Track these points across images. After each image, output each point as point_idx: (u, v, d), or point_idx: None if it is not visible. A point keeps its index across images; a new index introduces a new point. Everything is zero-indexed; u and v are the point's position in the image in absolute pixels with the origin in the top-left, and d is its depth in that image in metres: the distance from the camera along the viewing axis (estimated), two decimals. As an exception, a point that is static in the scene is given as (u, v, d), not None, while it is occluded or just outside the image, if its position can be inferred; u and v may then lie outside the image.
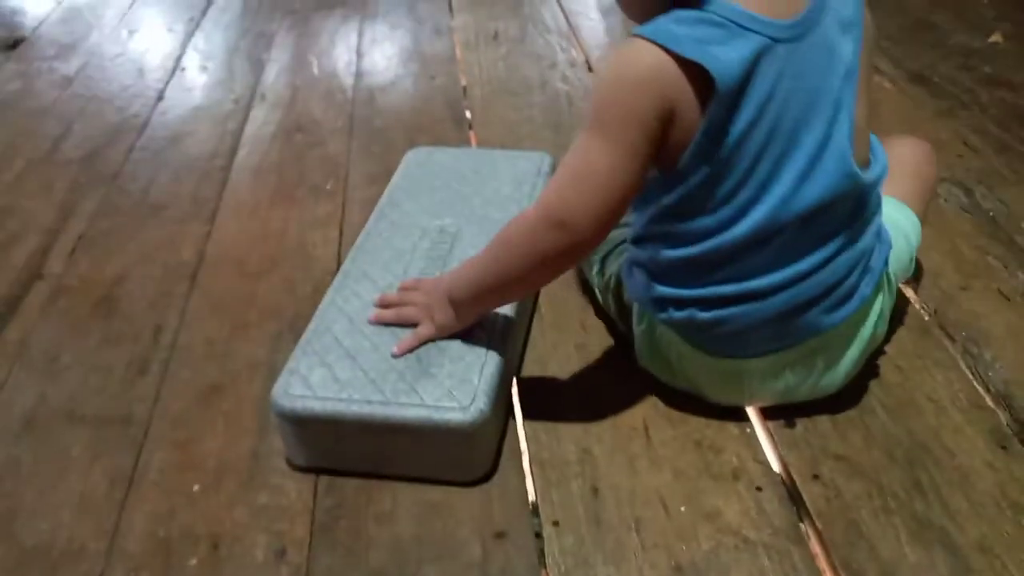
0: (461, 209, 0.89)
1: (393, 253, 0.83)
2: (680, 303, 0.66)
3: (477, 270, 0.67)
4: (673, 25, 0.56)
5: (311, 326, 0.74)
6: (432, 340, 0.70)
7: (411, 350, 0.69)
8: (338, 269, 0.93)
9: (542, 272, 0.65)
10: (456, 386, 0.66)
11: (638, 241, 0.68)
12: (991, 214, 0.96)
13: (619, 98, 0.57)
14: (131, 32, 1.70)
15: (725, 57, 0.54)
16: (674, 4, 0.57)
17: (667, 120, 0.56)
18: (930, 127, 1.14)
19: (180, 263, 0.97)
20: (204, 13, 1.77)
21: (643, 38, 0.56)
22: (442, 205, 0.90)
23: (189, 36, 1.65)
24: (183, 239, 1.02)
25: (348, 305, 0.76)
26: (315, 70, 1.47)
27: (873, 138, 0.66)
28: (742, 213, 0.60)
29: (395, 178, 0.97)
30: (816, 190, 0.59)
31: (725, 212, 0.60)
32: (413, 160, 1.00)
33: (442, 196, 0.92)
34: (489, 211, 0.88)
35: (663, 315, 0.67)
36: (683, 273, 0.65)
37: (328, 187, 1.11)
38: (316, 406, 0.65)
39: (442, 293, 0.69)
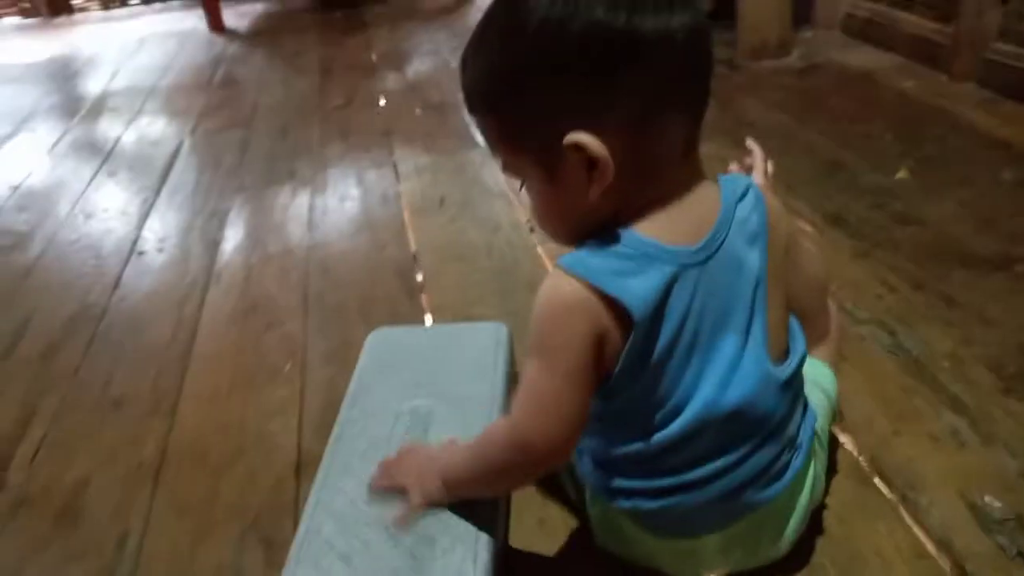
0: (430, 389, 0.92)
1: (370, 443, 0.85)
2: (625, 493, 0.70)
3: (466, 465, 0.71)
4: (590, 257, 0.61)
5: (301, 528, 0.75)
6: (418, 505, 0.73)
7: (408, 522, 0.73)
8: (299, 456, 0.96)
9: (518, 480, 0.74)
10: None
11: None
12: (914, 354, 1.02)
13: (553, 328, 0.62)
14: (87, 216, 1.76)
15: (639, 288, 0.60)
16: (591, 235, 0.62)
17: (599, 344, 0.61)
18: (849, 268, 1.22)
19: (142, 462, 0.99)
20: (158, 193, 1.83)
21: (564, 271, 0.61)
22: (410, 387, 0.93)
23: (144, 218, 1.71)
24: (145, 435, 1.03)
25: (334, 503, 0.77)
26: (268, 247, 1.52)
27: (794, 324, 0.72)
28: (672, 417, 0.64)
29: (360, 363, 1.00)
30: (737, 392, 0.64)
31: (656, 417, 0.65)
32: (375, 343, 1.03)
33: (409, 377, 0.95)
34: (457, 388, 0.91)
35: (612, 502, 0.71)
36: (624, 465, 0.69)
37: (286, 369, 1.14)
38: None
39: (436, 472, 0.73)
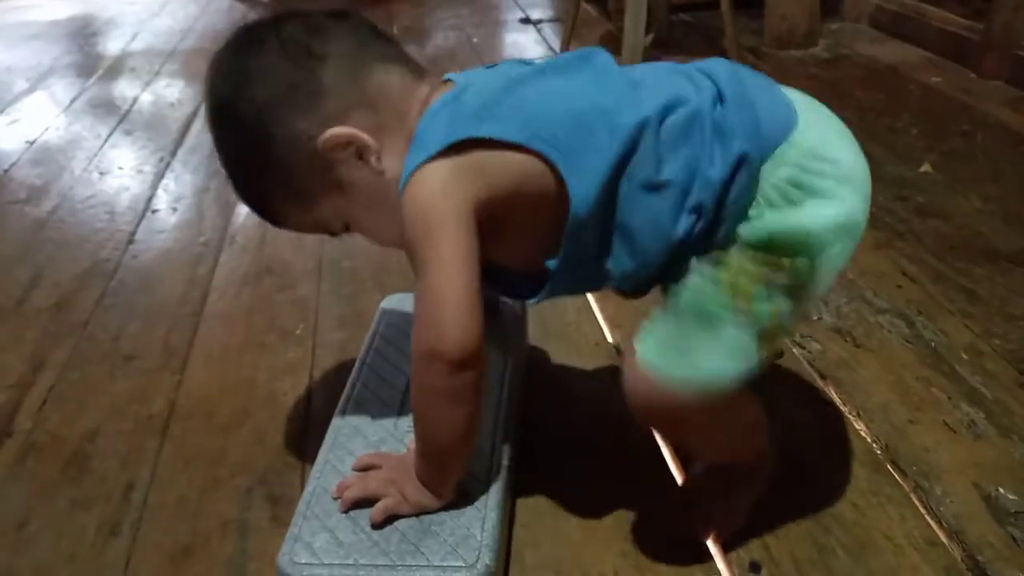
0: None
1: (381, 405, 0.85)
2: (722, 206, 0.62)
3: (420, 446, 0.70)
4: (427, 141, 0.63)
5: (308, 487, 0.75)
6: (404, 514, 0.70)
7: (385, 522, 0.70)
8: (308, 417, 0.95)
9: (459, 408, 0.65)
10: (460, 543, 0.67)
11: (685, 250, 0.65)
12: (932, 344, 1.01)
13: (429, 218, 0.62)
14: (102, 174, 1.75)
15: (482, 122, 0.63)
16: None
17: (488, 206, 0.63)
18: (870, 258, 1.21)
19: (151, 416, 0.98)
20: (174, 154, 1.82)
21: (414, 172, 0.62)
22: None
23: (159, 177, 1.70)
24: (154, 390, 1.03)
25: (343, 464, 0.77)
26: (284, 211, 1.51)
27: None
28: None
29: (374, 327, 0.99)
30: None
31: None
32: (389, 308, 1.03)
33: None
34: None
35: (747, 227, 0.62)
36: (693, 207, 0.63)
37: (298, 331, 1.13)
38: (324, 574, 0.66)
39: (411, 473, 0.71)
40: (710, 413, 0.66)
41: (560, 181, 0.62)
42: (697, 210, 0.62)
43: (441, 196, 0.61)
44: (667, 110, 0.62)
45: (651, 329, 0.65)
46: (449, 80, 0.70)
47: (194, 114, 2.07)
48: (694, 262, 0.64)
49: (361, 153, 0.66)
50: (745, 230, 0.62)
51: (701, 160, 0.61)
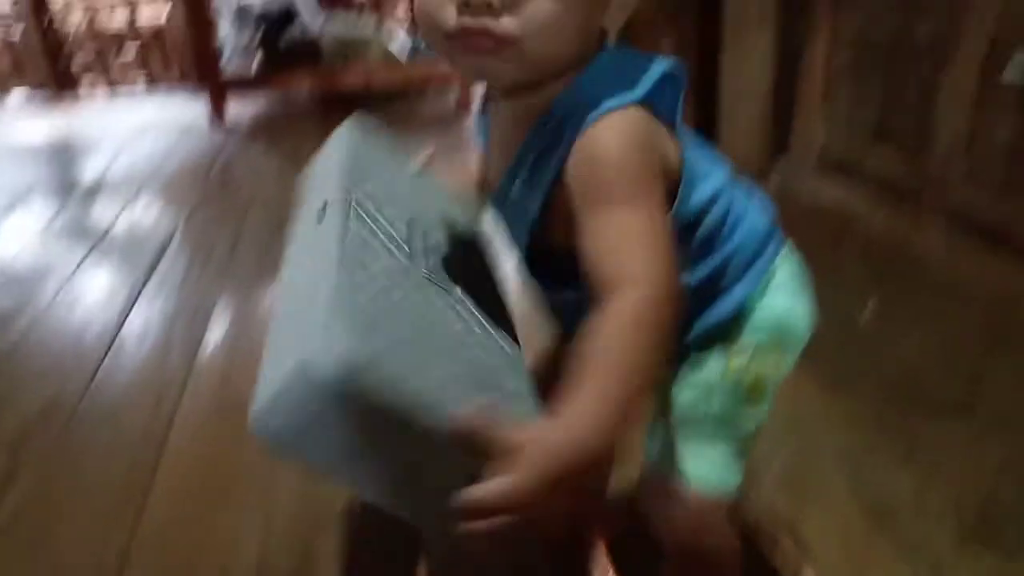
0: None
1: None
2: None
3: (621, 391, 0.54)
4: (619, 86, 0.62)
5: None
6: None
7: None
8: (260, 565, 0.96)
9: (662, 348, 0.58)
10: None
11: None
12: (876, 494, 1.04)
13: (638, 163, 0.60)
14: (72, 302, 1.77)
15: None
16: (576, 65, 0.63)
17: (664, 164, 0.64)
18: (815, 402, 1.25)
19: (100, 565, 0.98)
20: (145, 283, 1.85)
21: (618, 110, 0.61)
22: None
23: (128, 308, 1.72)
24: (108, 537, 1.03)
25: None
26: (253, 346, 1.54)
27: None
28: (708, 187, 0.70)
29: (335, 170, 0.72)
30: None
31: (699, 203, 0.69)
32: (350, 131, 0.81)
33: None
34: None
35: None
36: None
37: (261, 472, 1.14)
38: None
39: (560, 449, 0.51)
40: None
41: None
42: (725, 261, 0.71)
43: (651, 149, 0.62)
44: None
45: (696, 453, 0.69)
46: None
47: (168, 241, 2.11)
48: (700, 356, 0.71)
49: None
50: (759, 312, 0.71)
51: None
